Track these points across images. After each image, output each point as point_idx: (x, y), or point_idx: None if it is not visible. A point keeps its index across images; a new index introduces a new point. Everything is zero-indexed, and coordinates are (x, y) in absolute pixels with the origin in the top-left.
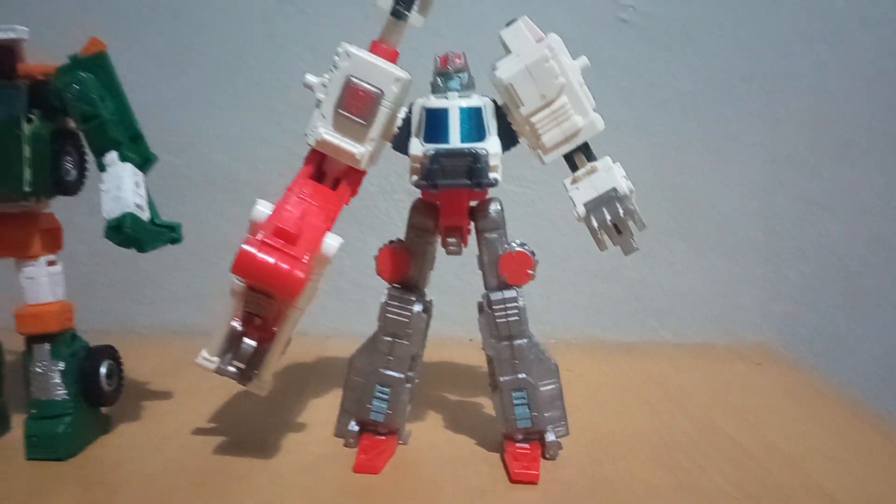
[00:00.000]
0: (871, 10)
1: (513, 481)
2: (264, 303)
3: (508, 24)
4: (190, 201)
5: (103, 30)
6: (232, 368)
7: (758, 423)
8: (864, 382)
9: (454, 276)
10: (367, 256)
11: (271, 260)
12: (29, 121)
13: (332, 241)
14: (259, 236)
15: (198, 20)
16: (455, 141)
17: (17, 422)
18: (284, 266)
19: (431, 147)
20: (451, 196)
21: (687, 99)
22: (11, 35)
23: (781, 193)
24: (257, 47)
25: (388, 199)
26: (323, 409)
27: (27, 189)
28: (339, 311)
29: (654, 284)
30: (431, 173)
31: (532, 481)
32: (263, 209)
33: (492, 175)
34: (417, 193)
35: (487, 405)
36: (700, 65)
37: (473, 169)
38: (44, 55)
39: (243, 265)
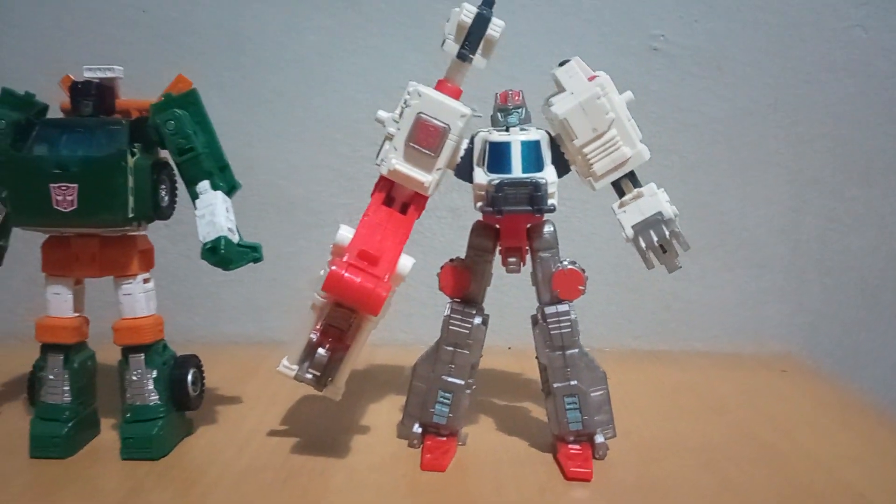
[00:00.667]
0: (890, 41)
1: (568, 479)
2: (345, 316)
3: (561, 64)
4: (248, 220)
5: (176, 64)
6: (309, 375)
7: (789, 428)
8: (884, 390)
9: (493, 290)
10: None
11: (357, 280)
12: (132, 154)
13: (406, 262)
14: (345, 258)
15: (260, 55)
16: (517, 171)
17: (104, 426)
18: (369, 285)
19: (496, 177)
20: (512, 220)
21: (716, 124)
22: (110, 74)
23: (805, 212)
24: (314, 80)
25: (432, 216)
26: (381, 413)
27: (131, 216)
28: (385, 323)
29: (684, 297)
30: (497, 200)
31: (586, 479)
32: (346, 234)
33: (550, 202)
34: (459, 211)
35: (533, 409)
36: (728, 92)
37: (534, 197)
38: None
39: (333, 284)
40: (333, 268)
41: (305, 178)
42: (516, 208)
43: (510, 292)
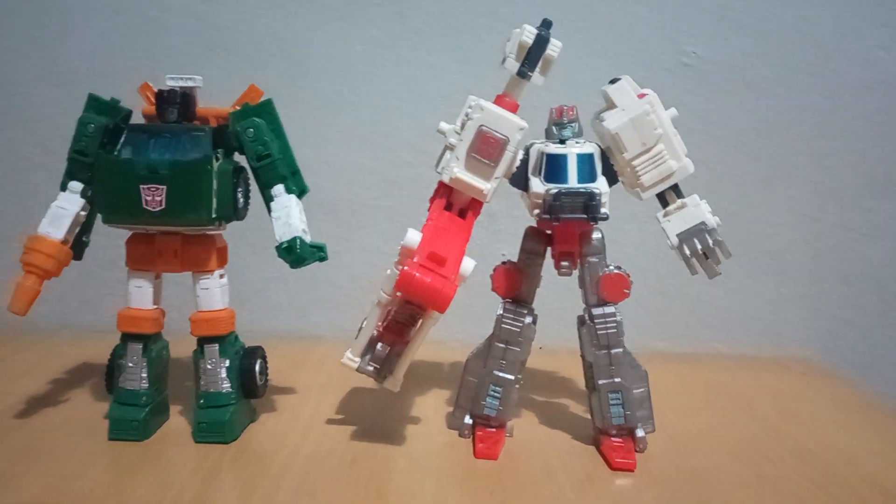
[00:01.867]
0: None
1: (613, 469)
2: (411, 312)
3: (612, 82)
4: None
5: (229, 71)
6: (370, 368)
7: (814, 425)
8: None
9: None
10: None
11: (428, 280)
12: (217, 159)
13: (468, 264)
14: (415, 259)
15: (309, 63)
16: (573, 182)
17: (173, 412)
18: (438, 285)
19: (553, 186)
20: (567, 227)
21: (742, 137)
22: (191, 83)
23: (825, 222)
24: (360, 87)
25: None
26: (428, 405)
27: (214, 216)
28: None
29: (709, 301)
30: (554, 208)
31: (630, 469)
32: (414, 237)
33: (603, 210)
34: (496, 216)
35: (570, 405)
36: (754, 106)
37: (589, 205)
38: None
39: (405, 284)
40: (405, 268)
41: (349, 181)
42: (572, 216)
43: (541, 295)
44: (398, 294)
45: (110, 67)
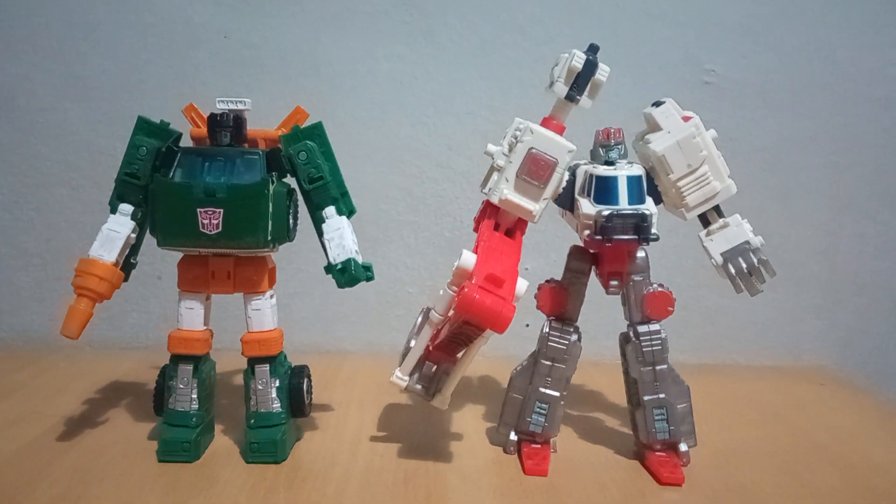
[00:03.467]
0: None
1: (661, 483)
2: (467, 333)
3: (657, 105)
4: None
5: (255, 87)
6: (419, 387)
7: (845, 435)
8: None
9: None
10: None
11: (488, 302)
12: (272, 182)
13: (522, 284)
14: (473, 281)
15: (336, 80)
16: (624, 203)
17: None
18: (498, 307)
19: (605, 207)
20: (617, 247)
21: (761, 152)
22: (241, 106)
23: (841, 235)
24: (387, 104)
25: None
26: (468, 421)
27: (269, 238)
28: None
29: (727, 313)
30: (606, 230)
31: (679, 483)
32: (470, 258)
33: (653, 231)
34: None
35: (606, 419)
36: (773, 123)
37: (640, 226)
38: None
39: (466, 305)
40: (466, 290)
41: (375, 197)
42: (623, 237)
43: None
44: (459, 315)
45: (136, 84)
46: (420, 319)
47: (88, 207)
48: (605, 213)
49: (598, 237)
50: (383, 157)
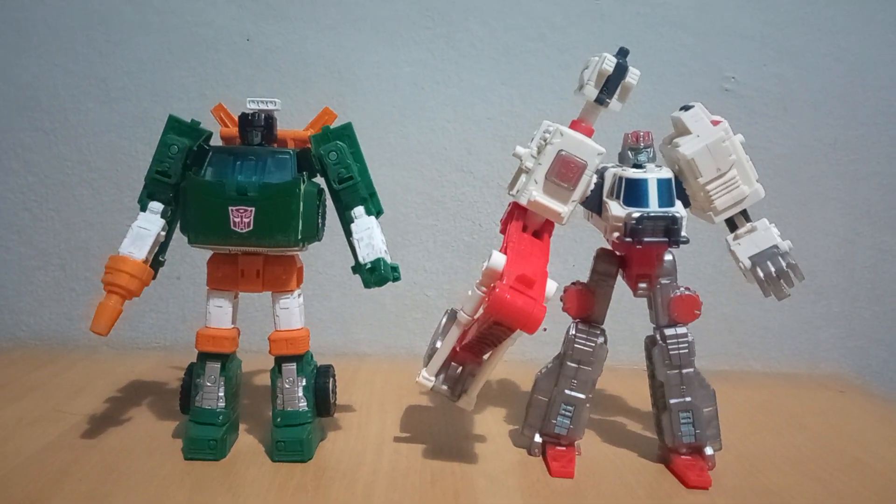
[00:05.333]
0: None
1: (689, 486)
2: (496, 333)
3: (685, 109)
4: (339, 238)
5: (277, 91)
6: (444, 387)
7: (867, 442)
8: None
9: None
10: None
11: (520, 302)
12: (303, 181)
13: (552, 286)
14: (504, 282)
15: (358, 84)
16: (654, 206)
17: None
18: (529, 308)
19: (635, 210)
20: (646, 250)
21: (780, 160)
22: (272, 107)
23: (859, 244)
24: (407, 108)
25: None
26: (489, 423)
27: (300, 237)
28: None
29: (745, 320)
30: (637, 232)
31: (706, 487)
32: (500, 259)
33: (683, 233)
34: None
35: (627, 423)
36: (792, 131)
37: (671, 229)
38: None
39: (498, 306)
40: (497, 291)
41: (395, 200)
42: (654, 239)
43: None
44: (489, 316)
45: (157, 85)
46: (445, 321)
47: (108, 208)
48: (636, 215)
49: (629, 239)
50: (403, 161)
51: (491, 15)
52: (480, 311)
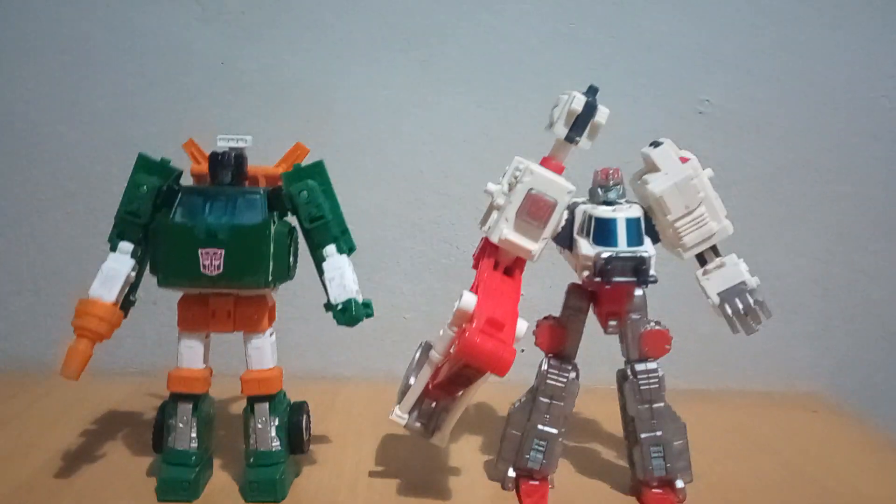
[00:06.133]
0: None
1: None
2: (467, 374)
3: (655, 146)
4: None
5: (254, 114)
6: (418, 424)
7: (835, 468)
8: None
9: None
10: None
11: (489, 346)
12: (273, 222)
13: (522, 326)
14: (474, 325)
15: (334, 107)
16: (622, 245)
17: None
18: (500, 352)
19: (604, 249)
20: (615, 288)
21: (755, 182)
22: (242, 144)
23: (833, 263)
24: (384, 132)
25: None
26: (465, 453)
27: (270, 279)
28: None
29: (721, 340)
30: (606, 272)
31: None
32: (471, 300)
33: (651, 273)
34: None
35: (601, 450)
36: (766, 152)
37: (639, 269)
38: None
39: (468, 350)
40: (467, 335)
41: (372, 224)
42: (623, 279)
43: None
44: (460, 359)
45: (131, 109)
46: (419, 355)
47: (83, 232)
48: (605, 255)
49: (598, 279)
50: (381, 184)
51: (467, 39)
52: (452, 349)
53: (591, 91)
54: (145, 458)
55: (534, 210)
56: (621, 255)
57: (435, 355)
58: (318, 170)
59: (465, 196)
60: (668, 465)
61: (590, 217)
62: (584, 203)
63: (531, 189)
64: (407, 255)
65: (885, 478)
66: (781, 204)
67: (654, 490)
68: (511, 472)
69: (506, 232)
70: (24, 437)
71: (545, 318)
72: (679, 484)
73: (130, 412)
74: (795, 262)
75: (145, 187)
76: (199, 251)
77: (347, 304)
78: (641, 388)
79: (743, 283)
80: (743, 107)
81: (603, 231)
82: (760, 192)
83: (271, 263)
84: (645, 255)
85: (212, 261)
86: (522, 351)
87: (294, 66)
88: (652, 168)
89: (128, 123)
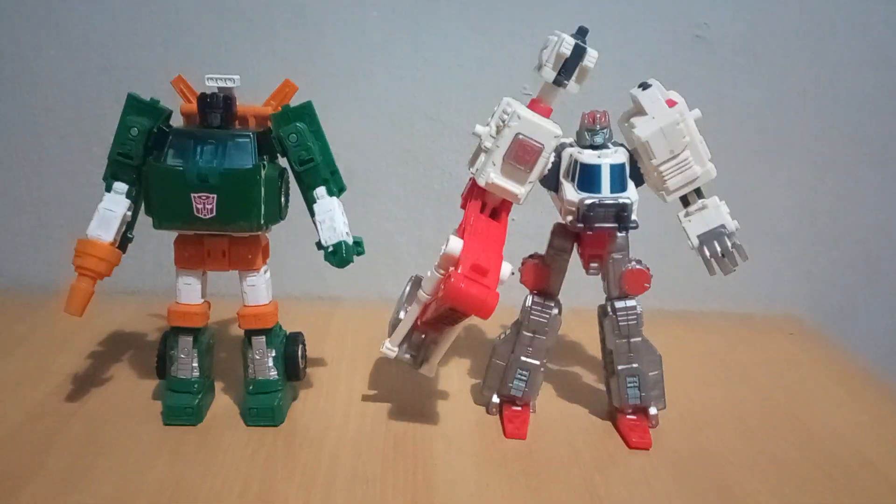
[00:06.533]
0: None
1: (630, 447)
2: (453, 315)
3: (642, 87)
4: None
5: (243, 37)
6: (407, 356)
7: (806, 396)
8: (876, 346)
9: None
10: None
11: (474, 291)
12: (263, 166)
13: (506, 269)
14: (459, 270)
15: (324, 30)
16: (606, 191)
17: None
18: (483, 296)
19: (587, 196)
20: (598, 233)
21: (749, 109)
22: (231, 84)
23: (822, 191)
24: (376, 56)
25: None
26: (452, 378)
27: (262, 222)
28: None
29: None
30: (588, 218)
31: (646, 448)
32: (457, 245)
33: (633, 218)
34: None
35: (583, 374)
36: (762, 80)
37: (621, 215)
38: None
39: (453, 296)
40: (452, 280)
41: (365, 149)
42: (605, 225)
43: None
44: (445, 303)
45: (119, 33)
46: (408, 289)
47: (77, 157)
48: (588, 202)
49: (581, 225)
50: (372, 109)
51: None
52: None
53: (581, 32)
54: (150, 381)
55: (521, 154)
56: (604, 202)
57: (423, 295)
58: (307, 111)
59: (458, 122)
60: (643, 394)
61: (575, 162)
62: (570, 146)
63: (518, 134)
64: (400, 181)
65: (852, 406)
66: (774, 131)
67: (628, 416)
68: (495, 399)
69: (493, 176)
70: (32, 361)
71: (530, 256)
72: (652, 411)
73: (133, 333)
74: (785, 189)
75: (136, 129)
76: (192, 195)
77: (338, 246)
78: (620, 324)
79: (722, 226)
80: (741, 32)
81: (587, 177)
82: (753, 119)
83: (263, 207)
84: (627, 201)
85: (204, 204)
86: (513, 273)
87: None
88: (639, 110)
89: (116, 48)
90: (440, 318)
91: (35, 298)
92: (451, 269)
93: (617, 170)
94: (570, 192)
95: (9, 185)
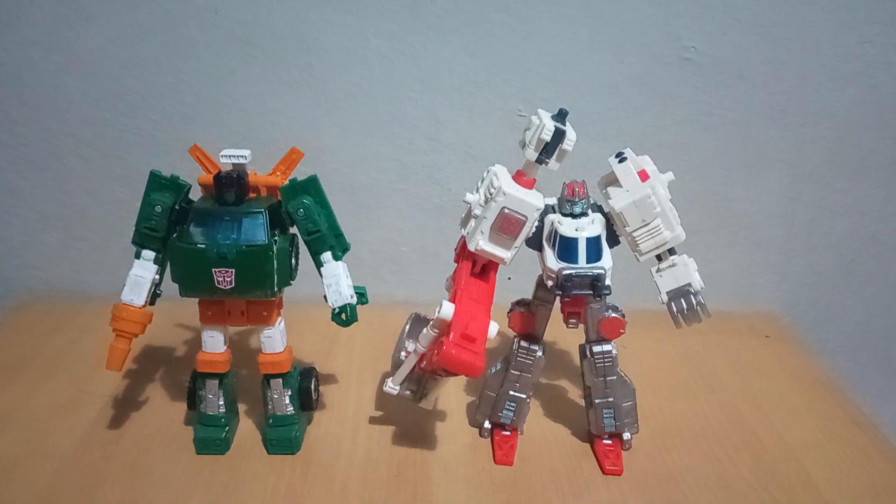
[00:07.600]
0: (893, 55)
1: (605, 473)
2: (445, 373)
3: (619, 158)
4: None
5: (248, 65)
6: (408, 392)
7: (768, 410)
8: (848, 345)
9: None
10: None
11: (463, 357)
12: (275, 241)
13: (493, 329)
14: (451, 338)
15: (327, 56)
16: (582, 262)
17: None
18: (471, 361)
19: (565, 266)
20: (575, 297)
21: (732, 126)
22: (243, 160)
23: (800, 201)
24: (376, 80)
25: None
26: (451, 398)
27: (276, 290)
28: None
29: None
30: (565, 287)
31: (618, 474)
32: (449, 310)
33: (607, 284)
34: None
35: (568, 389)
36: (745, 97)
37: (595, 284)
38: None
39: (446, 361)
40: (444, 348)
41: (368, 167)
42: (581, 291)
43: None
44: (438, 364)
45: (131, 60)
46: (408, 326)
47: (100, 176)
48: (566, 272)
49: (559, 292)
50: (375, 130)
51: None
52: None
53: (561, 115)
54: (180, 404)
55: (506, 226)
56: (580, 272)
57: (420, 348)
58: (313, 184)
59: (456, 141)
60: (618, 423)
61: (555, 232)
62: (553, 211)
63: (504, 208)
64: (401, 195)
65: (808, 421)
66: (756, 146)
67: (604, 442)
68: (487, 424)
69: (482, 243)
70: (74, 383)
71: (518, 302)
72: (626, 436)
73: (162, 349)
74: (764, 198)
75: (159, 207)
76: (213, 270)
77: (343, 308)
78: (597, 365)
79: (689, 284)
80: (727, 53)
81: (565, 248)
82: (737, 136)
83: (276, 277)
84: (601, 271)
85: (224, 277)
86: (509, 279)
87: (285, 15)
88: (614, 180)
89: (129, 74)
90: (435, 371)
91: (67, 303)
92: (444, 337)
93: (593, 241)
94: (551, 259)
95: (38, 203)
